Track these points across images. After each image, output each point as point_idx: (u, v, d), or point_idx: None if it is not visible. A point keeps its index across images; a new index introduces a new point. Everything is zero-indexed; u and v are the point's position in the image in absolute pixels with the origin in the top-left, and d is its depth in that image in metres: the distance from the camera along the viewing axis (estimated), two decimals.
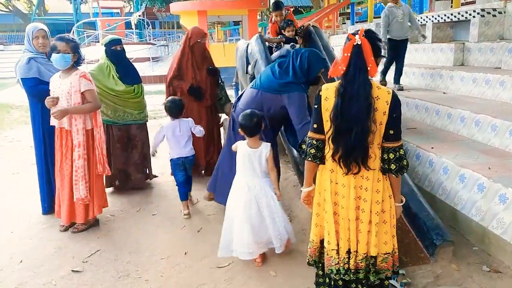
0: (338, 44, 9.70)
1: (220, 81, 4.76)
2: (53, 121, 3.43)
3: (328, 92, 2.03)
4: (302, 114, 3.11)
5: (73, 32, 21.05)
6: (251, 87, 3.42)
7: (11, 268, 3.02)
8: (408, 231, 3.04)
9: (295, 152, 3.66)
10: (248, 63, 4.83)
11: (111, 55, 4.16)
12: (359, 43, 1.90)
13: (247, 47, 4.96)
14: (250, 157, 2.90)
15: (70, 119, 3.36)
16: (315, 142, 2.08)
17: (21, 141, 6.96)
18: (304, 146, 2.17)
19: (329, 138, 2.02)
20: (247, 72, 4.86)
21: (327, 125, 2.02)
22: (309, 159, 2.12)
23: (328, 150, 2.06)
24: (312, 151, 2.09)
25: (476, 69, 5.07)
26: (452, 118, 4.18)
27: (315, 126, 2.08)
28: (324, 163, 2.12)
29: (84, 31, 23.30)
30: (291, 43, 4.90)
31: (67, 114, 3.32)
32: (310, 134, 2.12)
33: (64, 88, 3.33)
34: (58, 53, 3.26)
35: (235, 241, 2.90)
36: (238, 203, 2.93)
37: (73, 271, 2.95)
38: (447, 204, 3.35)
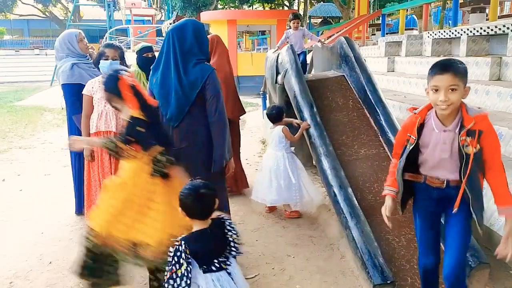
0: (367, 55, 9.58)
1: None
2: (101, 125, 3.34)
3: None
4: None
5: (106, 38, 21.61)
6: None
7: (40, 269, 3.07)
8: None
9: (324, 164, 3.57)
10: (278, 73, 4.81)
11: (142, 63, 4.19)
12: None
13: (278, 56, 4.94)
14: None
15: None
16: None
17: (53, 143, 7.15)
18: None
19: None
20: (276, 82, 4.84)
21: None
22: None
23: None
24: None
25: None
26: None
27: None
28: None
29: (116, 37, 23.88)
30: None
31: None
32: None
33: None
34: (106, 59, 3.32)
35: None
36: None
37: None
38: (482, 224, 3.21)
